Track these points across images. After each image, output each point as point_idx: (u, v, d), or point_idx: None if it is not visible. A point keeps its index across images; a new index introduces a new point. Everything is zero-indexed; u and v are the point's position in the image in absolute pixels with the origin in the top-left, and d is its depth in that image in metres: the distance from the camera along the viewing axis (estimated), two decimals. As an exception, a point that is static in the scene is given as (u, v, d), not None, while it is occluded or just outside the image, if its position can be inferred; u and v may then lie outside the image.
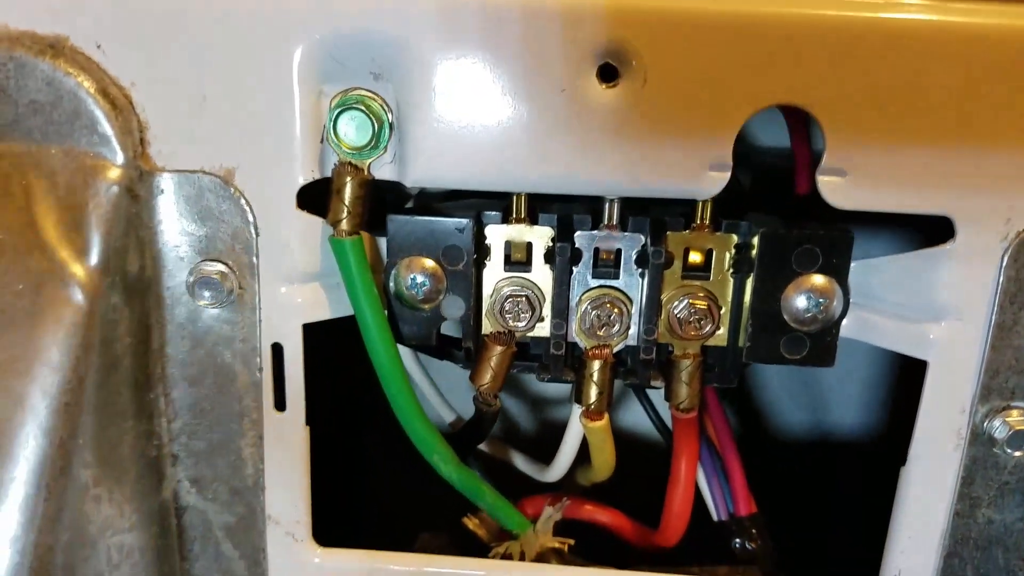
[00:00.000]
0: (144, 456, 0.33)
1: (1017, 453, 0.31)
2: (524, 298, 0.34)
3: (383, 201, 0.34)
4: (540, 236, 0.34)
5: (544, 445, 0.41)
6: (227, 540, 0.35)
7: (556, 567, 0.36)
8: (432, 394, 0.43)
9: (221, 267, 0.31)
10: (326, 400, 0.38)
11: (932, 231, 0.31)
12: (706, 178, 0.29)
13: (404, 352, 0.40)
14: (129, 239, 0.31)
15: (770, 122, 0.39)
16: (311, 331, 0.33)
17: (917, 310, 0.31)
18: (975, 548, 0.33)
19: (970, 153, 0.28)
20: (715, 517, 0.39)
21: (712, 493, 0.38)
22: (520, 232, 0.34)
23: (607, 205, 0.33)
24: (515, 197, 0.33)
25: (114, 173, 0.30)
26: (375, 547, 0.36)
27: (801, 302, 0.31)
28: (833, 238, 0.31)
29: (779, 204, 0.35)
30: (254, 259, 0.31)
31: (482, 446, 0.43)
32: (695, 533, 0.38)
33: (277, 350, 0.33)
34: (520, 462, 0.43)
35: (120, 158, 0.30)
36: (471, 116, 0.29)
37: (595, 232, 0.34)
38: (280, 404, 0.33)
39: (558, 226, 0.34)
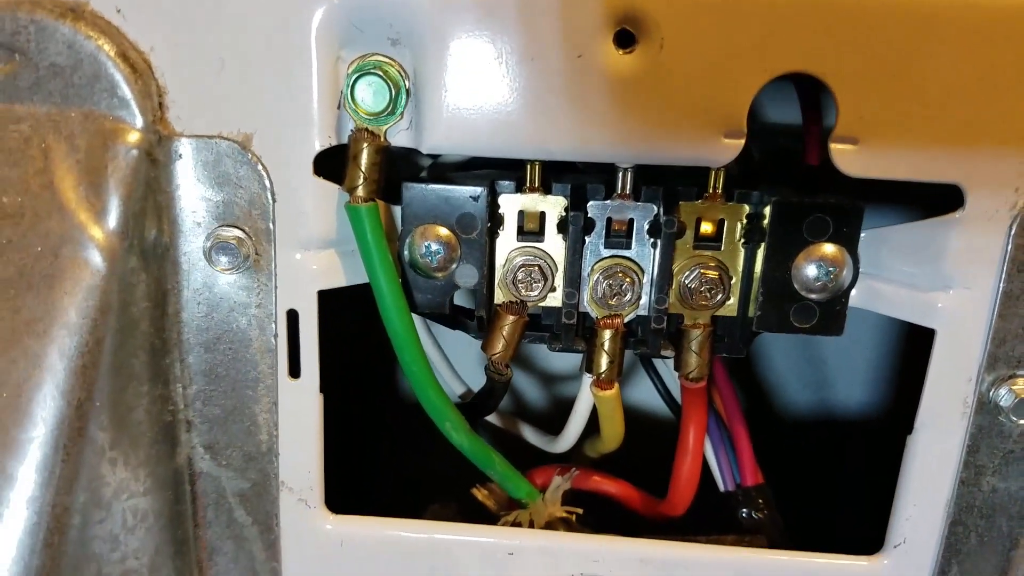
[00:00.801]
0: (159, 421, 0.34)
1: (1022, 421, 0.32)
2: (537, 267, 0.34)
3: (398, 172, 0.34)
4: (553, 206, 0.34)
5: (553, 419, 0.42)
6: (240, 506, 0.36)
7: (564, 534, 0.36)
8: (443, 366, 0.43)
9: (238, 233, 0.32)
10: (341, 368, 0.39)
11: (939, 205, 0.31)
12: (720, 145, 0.30)
13: (416, 323, 0.41)
14: (147, 203, 0.31)
15: (780, 98, 0.39)
16: (327, 298, 0.33)
17: (925, 279, 0.32)
18: (980, 516, 0.34)
19: (981, 122, 0.29)
20: (722, 488, 0.39)
21: (719, 464, 0.39)
22: (533, 201, 0.34)
23: (620, 174, 0.33)
24: (529, 166, 0.33)
25: (133, 137, 0.30)
26: (387, 515, 0.37)
27: (811, 271, 0.31)
28: (844, 207, 0.31)
29: (790, 176, 0.35)
30: (270, 225, 0.32)
31: (492, 418, 0.44)
32: (702, 503, 0.39)
33: (292, 316, 0.33)
34: (529, 434, 0.43)
35: (139, 122, 0.31)
36: (487, 82, 0.30)
37: (608, 202, 0.34)
38: (295, 371, 0.34)
39: (571, 196, 0.34)
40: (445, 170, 0.38)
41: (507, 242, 0.35)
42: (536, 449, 0.44)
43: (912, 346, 0.33)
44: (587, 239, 0.34)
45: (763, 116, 0.44)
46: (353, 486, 0.50)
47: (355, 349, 0.46)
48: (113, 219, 0.30)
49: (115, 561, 0.33)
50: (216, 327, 0.33)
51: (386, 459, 0.54)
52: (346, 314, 0.38)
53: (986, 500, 0.33)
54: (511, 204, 0.34)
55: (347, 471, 0.48)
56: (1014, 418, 0.32)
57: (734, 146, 0.29)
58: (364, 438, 0.54)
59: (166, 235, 0.32)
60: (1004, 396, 0.32)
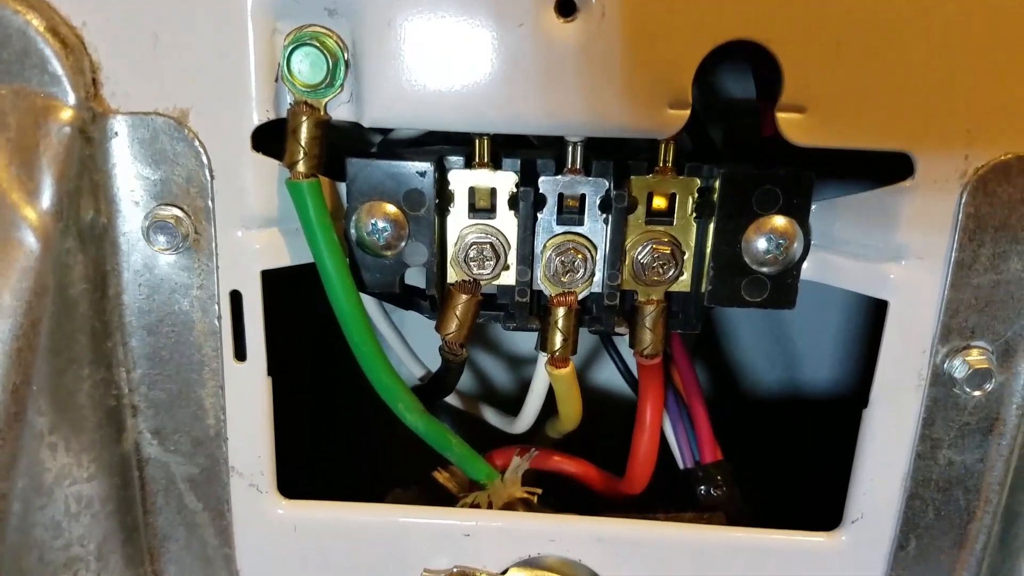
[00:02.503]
0: (103, 406, 0.33)
1: (976, 393, 0.31)
2: (488, 245, 0.34)
3: (345, 148, 0.33)
4: (504, 181, 0.33)
5: (518, 398, 0.41)
6: (190, 492, 0.35)
7: (520, 514, 0.36)
8: (400, 348, 0.43)
9: (176, 211, 0.31)
10: (292, 349, 0.38)
11: (897, 174, 0.31)
12: (665, 116, 0.29)
13: (370, 304, 0.40)
14: (83, 182, 0.30)
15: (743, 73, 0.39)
16: (274, 278, 0.33)
17: (878, 250, 0.31)
18: (936, 490, 0.33)
19: (929, 89, 0.28)
20: (681, 465, 0.39)
21: (678, 441, 0.38)
22: (483, 177, 0.33)
23: (570, 149, 0.33)
24: (477, 140, 0.33)
25: (66, 114, 0.30)
26: (347, 500, 0.36)
27: (762, 244, 0.31)
28: (793, 178, 0.31)
29: (748, 150, 0.35)
30: (209, 203, 0.31)
31: (452, 399, 0.43)
32: (663, 481, 0.38)
33: (236, 298, 0.32)
34: (489, 415, 0.43)
35: (72, 99, 0.30)
36: (427, 53, 0.29)
37: (559, 177, 0.33)
38: (240, 354, 0.33)
39: (522, 171, 0.33)
40: (395, 146, 0.37)
41: (458, 219, 0.34)
42: (500, 430, 0.43)
43: (877, 320, 0.32)
44: (539, 215, 0.34)
45: (728, 92, 0.44)
46: (311, 471, 0.49)
47: (307, 329, 0.45)
48: (47, 199, 0.29)
49: (58, 548, 0.32)
50: (158, 309, 0.32)
51: (346, 443, 0.54)
52: (297, 293, 0.37)
53: (943, 473, 0.33)
54: (461, 180, 0.34)
55: (303, 455, 0.47)
56: (968, 389, 0.31)
57: (679, 117, 0.29)
58: (321, 422, 0.53)
59: (103, 215, 0.31)
60: (958, 367, 0.31)
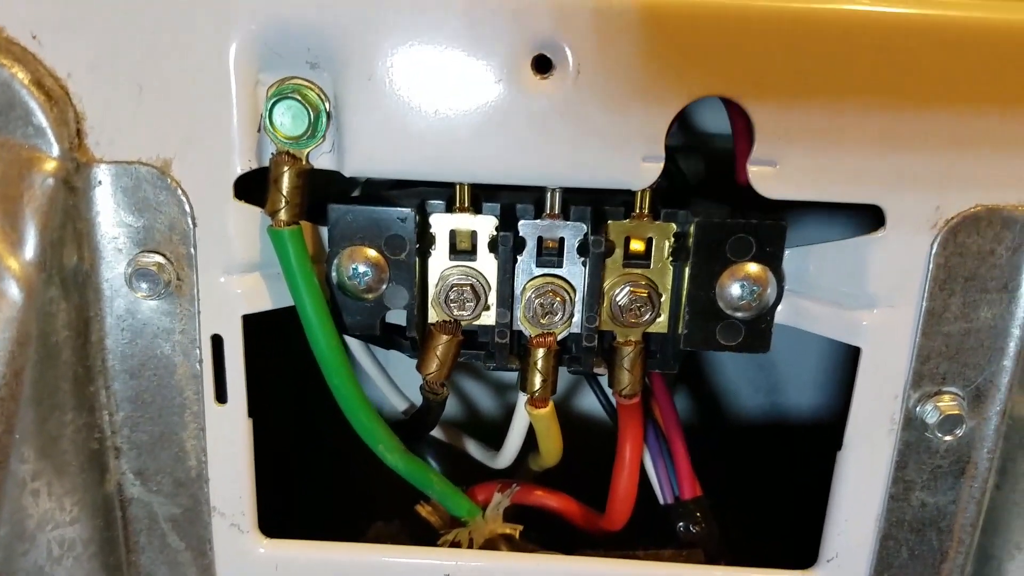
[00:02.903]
0: (86, 449, 0.33)
1: (948, 437, 0.32)
2: (469, 287, 0.34)
3: (329, 191, 0.34)
4: (484, 225, 0.34)
5: (501, 425, 0.42)
6: (173, 532, 0.35)
7: (502, 554, 0.36)
8: (384, 383, 0.43)
9: (158, 258, 0.31)
10: (275, 389, 0.38)
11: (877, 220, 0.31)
12: (640, 169, 0.29)
13: (354, 341, 0.41)
14: (66, 231, 0.31)
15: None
16: (257, 321, 0.33)
17: (850, 297, 0.32)
18: (910, 531, 0.34)
19: (899, 142, 0.29)
20: (661, 500, 0.39)
21: (658, 476, 0.39)
22: (464, 221, 0.34)
23: (549, 194, 0.33)
24: (457, 186, 0.33)
25: (50, 165, 0.30)
26: (332, 537, 0.37)
27: (735, 290, 0.31)
28: (767, 227, 0.31)
29: (728, 192, 0.35)
30: (192, 250, 0.31)
31: (436, 433, 0.44)
32: (644, 517, 0.39)
33: (217, 342, 0.33)
34: (472, 448, 0.43)
35: (56, 150, 0.30)
36: (407, 105, 0.29)
37: (538, 221, 0.34)
38: (221, 396, 0.33)
39: (502, 215, 0.34)
40: (378, 187, 0.37)
41: (440, 261, 0.35)
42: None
43: (856, 352, 0.33)
44: (519, 258, 0.34)
45: (705, 126, 0.44)
46: (293, 505, 0.49)
47: (289, 366, 0.45)
48: (30, 249, 0.30)
49: (41, 592, 0.32)
50: (140, 353, 0.33)
51: (329, 477, 0.54)
52: (279, 332, 0.37)
53: (916, 515, 0.34)
54: (442, 223, 0.34)
55: (286, 491, 0.47)
56: (940, 434, 0.32)
57: (653, 169, 0.29)
58: (304, 457, 0.54)
59: (87, 262, 0.32)
60: (930, 412, 0.32)
